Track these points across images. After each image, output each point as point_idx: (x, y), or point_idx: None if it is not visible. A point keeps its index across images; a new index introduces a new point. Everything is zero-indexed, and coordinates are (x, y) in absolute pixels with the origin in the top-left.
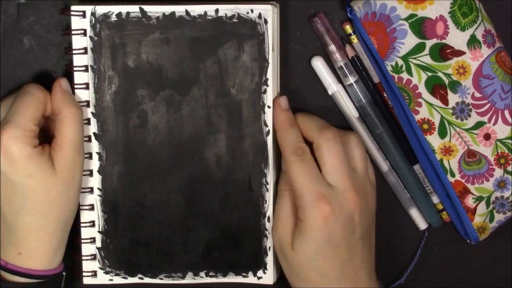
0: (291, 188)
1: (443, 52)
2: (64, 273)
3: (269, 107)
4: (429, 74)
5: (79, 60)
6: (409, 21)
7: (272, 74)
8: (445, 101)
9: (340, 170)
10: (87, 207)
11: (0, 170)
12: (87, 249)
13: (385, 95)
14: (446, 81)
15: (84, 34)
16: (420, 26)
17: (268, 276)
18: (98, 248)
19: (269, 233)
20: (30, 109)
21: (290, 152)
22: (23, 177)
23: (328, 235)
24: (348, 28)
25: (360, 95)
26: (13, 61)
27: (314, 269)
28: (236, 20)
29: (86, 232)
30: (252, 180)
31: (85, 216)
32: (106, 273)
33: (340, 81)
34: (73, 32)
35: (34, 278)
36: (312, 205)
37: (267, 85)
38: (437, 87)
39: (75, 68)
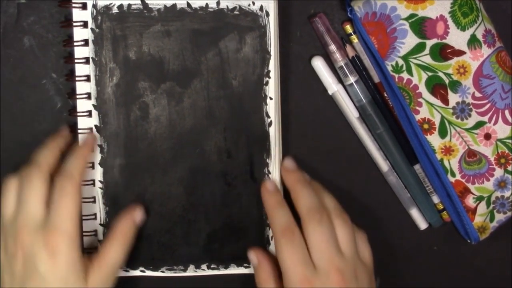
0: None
1: (443, 52)
2: None
3: (271, 98)
4: (430, 74)
5: (80, 52)
6: (410, 21)
7: (274, 66)
8: (445, 101)
9: (326, 252)
10: (89, 200)
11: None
12: (89, 242)
13: (386, 95)
14: (447, 81)
15: (85, 26)
16: (421, 26)
17: None
18: (100, 241)
19: None
20: (75, 216)
21: (280, 234)
22: (56, 280)
23: None
24: (348, 28)
25: (360, 95)
26: (13, 61)
27: None
28: (237, 12)
29: (88, 225)
30: (254, 170)
31: (87, 209)
32: None
33: (340, 81)
34: (74, 24)
35: None
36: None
37: (269, 77)
38: (437, 87)
39: (76, 60)
